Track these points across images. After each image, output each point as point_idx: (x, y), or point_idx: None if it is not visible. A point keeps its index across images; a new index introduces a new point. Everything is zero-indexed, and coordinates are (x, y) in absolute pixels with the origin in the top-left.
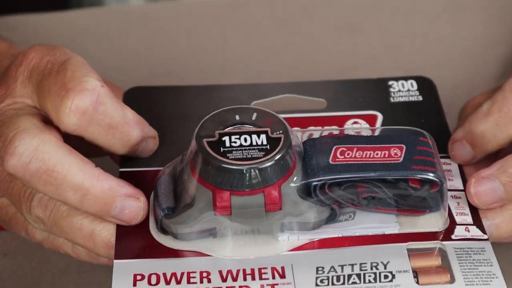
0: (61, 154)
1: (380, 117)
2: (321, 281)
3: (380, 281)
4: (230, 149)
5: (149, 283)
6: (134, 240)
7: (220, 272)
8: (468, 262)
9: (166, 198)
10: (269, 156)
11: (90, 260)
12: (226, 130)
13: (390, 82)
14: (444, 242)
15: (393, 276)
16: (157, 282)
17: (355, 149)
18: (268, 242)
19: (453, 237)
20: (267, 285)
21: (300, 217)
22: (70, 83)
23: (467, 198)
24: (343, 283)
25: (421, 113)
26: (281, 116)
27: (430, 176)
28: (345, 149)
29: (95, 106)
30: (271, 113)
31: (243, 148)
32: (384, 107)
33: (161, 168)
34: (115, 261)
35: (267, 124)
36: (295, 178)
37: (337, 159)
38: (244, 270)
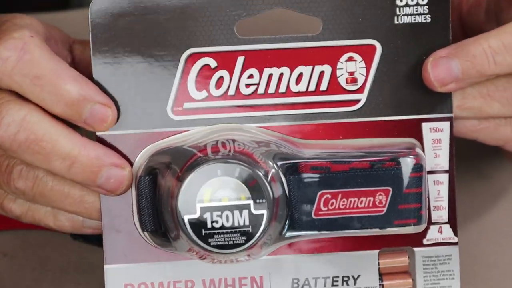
0: (48, 124)
1: (379, 49)
2: None
3: None
4: (211, 232)
5: None
6: (122, 237)
7: (204, 282)
8: (432, 275)
9: (149, 217)
10: (250, 243)
11: (73, 231)
12: (208, 204)
13: None
14: (415, 249)
15: None
16: None
17: (339, 196)
18: None
19: (424, 241)
20: None
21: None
22: (0, 35)
23: (423, 78)
24: None
25: (426, 45)
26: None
27: (410, 230)
28: (329, 196)
29: (20, 54)
30: (256, 173)
31: (224, 231)
32: (386, 31)
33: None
34: (106, 267)
35: (250, 185)
36: (277, 225)
37: (320, 212)
38: (225, 280)
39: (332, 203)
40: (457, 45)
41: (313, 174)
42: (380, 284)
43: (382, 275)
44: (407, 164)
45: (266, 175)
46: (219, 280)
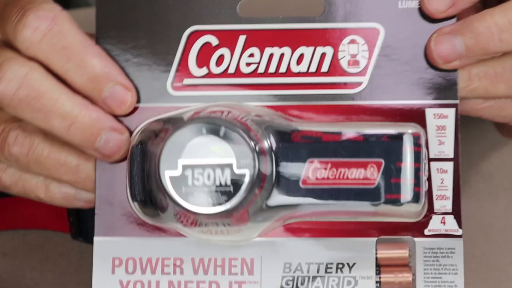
0: (50, 82)
1: (382, 33)
2: (286, 283)
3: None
4: (191, 189)
5: (126, 270)
6: (114, 210)
7: (193, 260)
8: (433, 268)
9: (139, 186)
10: (232, 204)
11: (65, 204)
12: (189, 162)
13: None
14: (416, 239)
15: (356, 283)
16: (134, 271)
17: (329, 165)
18: None
19: (426, 232)
20: (235, 282)
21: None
22: (29, 5)
23: (426, 54)
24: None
25: (430, 30)
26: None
27: (408, 211)
28: (318, 165)
29: (50, 25)
30: (240, 132)
31: (205, 189)
32: (389, 15)
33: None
34: (95, 238)
35: (235, 145)
36: (263, 194)
37: (308, 182)
38: (215, 261)
39: (321, 173)
40: (462, 22)
41: (303, 142)
42: (377, 275)
43: (380, 266)
44: (403, 137)
45: (255, 140)
46: (209, 260)
